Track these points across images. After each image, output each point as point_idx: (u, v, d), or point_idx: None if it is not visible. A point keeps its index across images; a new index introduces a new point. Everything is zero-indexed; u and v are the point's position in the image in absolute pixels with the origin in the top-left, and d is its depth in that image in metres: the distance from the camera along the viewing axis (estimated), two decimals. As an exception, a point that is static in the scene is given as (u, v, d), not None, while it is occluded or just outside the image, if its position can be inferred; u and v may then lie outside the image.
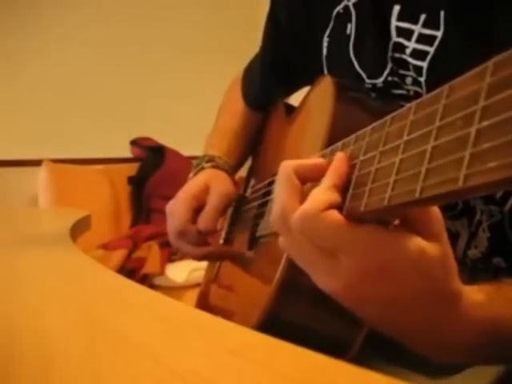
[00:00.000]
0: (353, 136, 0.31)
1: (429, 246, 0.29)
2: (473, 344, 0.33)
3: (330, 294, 0.32)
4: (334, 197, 0.29)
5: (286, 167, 0.32)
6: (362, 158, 0.29)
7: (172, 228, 0.63)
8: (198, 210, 0.63)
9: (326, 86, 0.49)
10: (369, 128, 0.29)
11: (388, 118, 0.27)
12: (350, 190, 0.29)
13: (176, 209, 0.63)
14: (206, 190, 0.64)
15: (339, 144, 0.33)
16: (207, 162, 0.70)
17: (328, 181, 0.30)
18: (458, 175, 0.20)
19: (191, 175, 0.69)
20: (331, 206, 0.29)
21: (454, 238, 0.47)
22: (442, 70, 0.43)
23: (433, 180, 0.22)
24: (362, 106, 0.47)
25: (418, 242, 0.29)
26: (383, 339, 0.36)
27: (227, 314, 0.61)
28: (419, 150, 0.23)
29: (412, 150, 0.24)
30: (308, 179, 0.32)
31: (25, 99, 2.02)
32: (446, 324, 0.32)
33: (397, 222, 0.30)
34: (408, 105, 0.25)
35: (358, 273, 0.29)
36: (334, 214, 0.29)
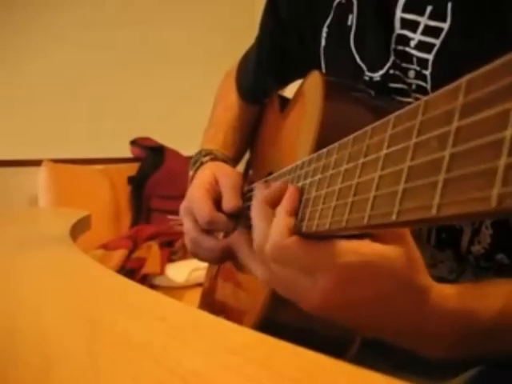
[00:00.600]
0: (336, 144, 0.32)
1: (388, 250, 0.31)
2: (450, 336, 0.35)
3: (312, 309, 0.35)
4: (291, 221, 0.34)
5: (258, 197, 0.38)
6: (345, 167, 0.29)
7: (194, 226, 0.60)
8: (214, 200, 0.60)
9: (315, 83, 0.48)
10: (351, 137, 0.29)
11: (369, 128, 0.27)
12: (334, 202, 0.30)
13: (195, 206, 0.60)
14: (215, 181, 0.61)
15: (325, 151, 0.34)
16: (205, 156, 0.68)
17: (282, 208, 0.35)
18: (432, 203, 0.19)
19: (191, 173, 0.68)
20: (290, 230, 0.34)
21: (458, 233, 0.47)
22: (448, 63, 0.43)
23: (409, 204, 0.21)
24: (352, 103, 0.47)
25: (375, 248, 0.31)
26: (382, 342, 0.36)
27: (230, 313, 0.61)
28: (396, 168, 0.23)
29: (390, 168, 0.24)
30: (277, 203, 0.37)
31: (25, 99, 2.02)
32: (420, 317, 0.34)
33: None
34: (388, 116, 0.25)
35: (328, 283, 0.32)
36: (294, 240, 0.33)
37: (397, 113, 0.24)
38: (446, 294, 0.35)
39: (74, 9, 2.11)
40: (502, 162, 0.16)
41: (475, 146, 0.17)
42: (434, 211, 0.19)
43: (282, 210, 0.35)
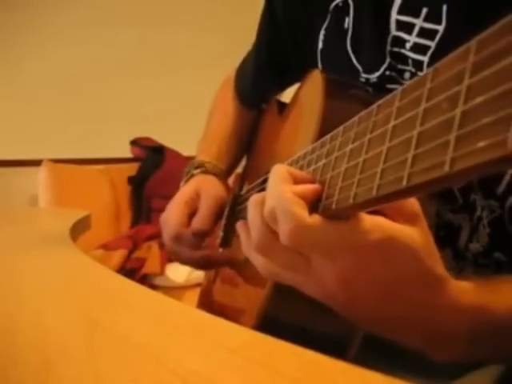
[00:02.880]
0: (341, 127, 0.31)
1: (410, 230, 0.30)
2: (464, 333, 0.34)
3: (323, 297, 0.33)
4: (304, 204, 0.31)
5: (279, 168, 0.34)
6: (350, 147, 0.28)
7: (167, 234, 0.63)
8: (190, 215, 0.63)
9: (315, 81, 0.48)
10: (356, 118, 0.29)
11: (374, 106, 0.27)
12: (339, 183, 0.28)
13: (169, 216, 0.63)
14: (196, 195, 0.64)
15: (328, 137, 0.33)
16: (196, 168, 0.70)
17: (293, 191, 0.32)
18: (445, 159, 0.19)
19: (182, 183, 0.69)
20: (307, 210, 0.30)
21: (456, 230, 0.47)
22: None
23: (419, 167, 0.21)
24: (352, 101, 0.46)
25: (399, 226, 0.30)
26: (383, 342, 0.36)
27: (229, 313, 0.61)
28: (405, 137, 0.22)
29: (398, 138, 0.23)
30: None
31: (25, 99, 2.02)
32: (434, 310, 0.33)
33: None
34: (394, 92, 0.25)
35: (351, 262, 0.30)
36: (317, 219, 0.30)
37: (404, 86, 0.24)
38: (462, 287, 0.33)
39: (74, 8, 2.11)
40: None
41: (487, 98, 0.17)
42: (446, 167, 0.19)
43: (293, 193, 0.32)
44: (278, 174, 0.32)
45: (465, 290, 0.33)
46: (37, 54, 2.04)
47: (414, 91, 0.23)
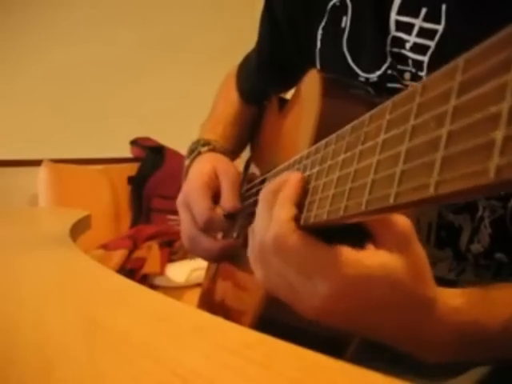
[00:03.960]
0: (334, 135, 0.31)
1: (392, 261, 0.30)
2: (452, 343, 0.34)
3: (309, 315, 0.34)
4: (292, 210, 0.33)
5: (263, 190, 0.37)
6: (343, 156, 0.29)
7: (191, 222, 0.58)
8: (213, 197, 0.59)
9: (313, 81, 0.49)
10: (349, 127, 0.29)
11: (367, 116, 0.27)
12: (331, 194, 0.29)
13: (192, 200, 0.58)
14: (214, 174, 0.60)
15: (323, 142, 0.33)
16: (203, 145, 0.67)
17: (282, 195, 0.34)
18: (429, 182, 0.19)
19: (187, 162, 0.67)
20: (292, 220, 0.32)
21: (457, 231, 0.47)
22: (443, 65, 0.43)
23: (406, 185, 0.21)
24: (350, 100, 0.46)
25: (379, 259, 0.30)
26: (382, 342, 0.36)
27: (229, 313, 0.61)
28: (394, 151, 0.23)
29: (388, 152, 0.23)
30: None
31: (25, 99, 2.02)
32: (422, 327, 0.33)
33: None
34: (384, 103, 0.25)
35: (329, 291, 0.31)
36: (296, 235, 0.32)
37: (394, 98, 0.24)
38: (452, 306, 0.34)
39: (73, 8, 2.11)
40: (500, 133, 0.16)
41: (472, 121, 0.17)
42: (431, 190, 0.19)
43: (282, 197, 0.34)
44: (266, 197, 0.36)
45: (454, 309, 0.34)
46: (37, 54, 2.04)
47: (403, 105, 0.23)
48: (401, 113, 0.23)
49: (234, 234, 0.69)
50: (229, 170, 0.61)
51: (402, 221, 0.31)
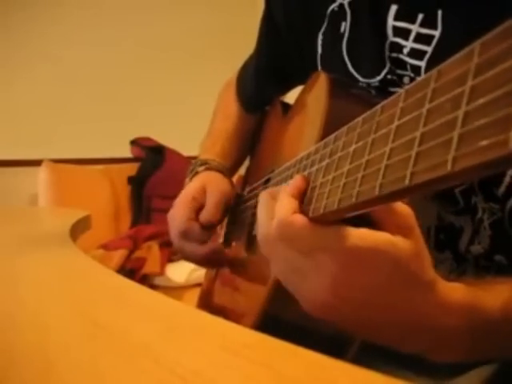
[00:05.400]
0: (345, 128, 0.31)
1: (396, 239, 0.30)
2: (465, 332, 0.34)
3: (314, 304, 0.33)
4: (294, 202, 0.33)
5: (263, 193, 0.37)
6: (354, 147, 0.28)
7: (175, 230, 0.64)
8: (197, 210, 0.64)
9: (320, 82, 0.49)
10: (360, 118, 0.29)
11: (378, 107, 0.27)
12: (342, 182, 0.28)
13: (176, 212, 0.64)
14: (203, 191, 0.65)
15: (331, 137, 0.33)
16: (200, 165, 0.71)
17: (283, 191, 0.34)
18: (447, 158, 0.19)
19: (187, 180, 0.70)
20: (294, 209, 0.32)
21: (457, 233, 0.47)
22: None
23: (421, 166, 0.21)
24: (357, 101, 0.46)
25: (383, 235, 0.30)
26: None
27: (228, 314, 0.61)
28: (408, 137, 0.23)
29: (402, 138, 0.23)
30: None
31: (25, 99, 2.02)
32: (426, 312, 0.33)
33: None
34: (398, 92, 0.25)
35: (332, 268, 0.31)
36: (300, 218, 0.32)
37: (407, 87, 0.24)
38: (452, 286, 0.34)
39: (75, 8, 2.11)
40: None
41: (490, 99, 0.18)
42: (449, 166, 0.19)
43: (284, 192, 0.34)
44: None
45: (454, 289, 0.34)
46: (37, 55, 2.04)
47: (417, 92, 0.23)
48: (415, 99, 0.23)
49: (220, 240, 0.71)
50: (217, 188, 0.65)
51: (403, 207, 0.31)
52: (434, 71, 0.22)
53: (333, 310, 0.33)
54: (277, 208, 0.33)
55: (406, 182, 0.21)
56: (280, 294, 0.41)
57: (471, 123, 0.18)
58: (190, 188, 0.66)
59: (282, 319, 0.43)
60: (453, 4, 0.42)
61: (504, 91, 0.17)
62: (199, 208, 0.64)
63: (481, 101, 0.18)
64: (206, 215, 0.62)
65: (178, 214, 0.63)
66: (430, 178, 0.20)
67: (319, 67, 0.57)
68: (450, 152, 0.19)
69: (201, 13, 2.36)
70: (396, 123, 0.24)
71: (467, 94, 0.19)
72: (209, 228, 0.63)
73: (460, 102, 0.19)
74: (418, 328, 0.33)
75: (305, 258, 0.32)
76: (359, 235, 0.30)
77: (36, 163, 1.86)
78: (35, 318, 0.31)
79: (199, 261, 0.65)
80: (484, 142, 0.17)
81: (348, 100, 0.46)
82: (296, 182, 0.34)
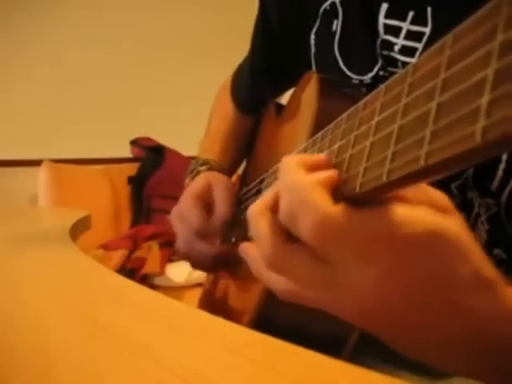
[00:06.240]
0: (331, 125, 0.31)
1: (451, 222, 0.25)
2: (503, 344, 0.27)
3: (356, 315, 0.27)
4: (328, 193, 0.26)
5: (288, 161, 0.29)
6: (338, 144, 0.28)
7: (186, 231, 0.61)
8: (206, 208, 0.62)
9: (311, 82, 0.49)
10: (345, 115, 0.29)
11: (361, 102, 0.27)
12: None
13: (186, 211, 0.61)
14: (208, 188, 0.63)
15: (319, 135, 0.33)
16: (201, 165, 0.70)
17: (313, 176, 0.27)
18: (420, 154, 0.19)
19: (187, 181, 0.69)
20: (332, 203, 0.26)
21: None
22: None
23: (398, 162, 0.21)
24: (347, 100, 0.47)
25: (438, 217, 0.25)
26: (381, 341, 0.35)
27: (229, 313, 0.61)
28: (387, 132, 0.23)
29: (380, 133, 0.23)
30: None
31: (25, 99, 2.02)
32: (490, 323, 0.26)
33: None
34: (378, 88, 0.25)
35: (387, 264, 0.25)
36: (342, 207, 0.25)
37: (387, 82, 0.24)
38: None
39: (75, 8, 2.11)
40: (485, 98, 0.17)
41: (460, 90, 0.18)
42: (422, 162, 0.19)
43: (311, 185, 0.26)
44: (289, 164, 0.28)
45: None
46: (37, 55, 2.04)
47: (396, 86, 0.23)
48: (393, 94, 0.23)
49: (233, 239, 0.70)
50: (222, 182, 0.64)
51: (438, 192, 0.27)
52: (410, 66, 0.22)
53: (376, 318, 0.27)
54: (304, 206, 0.26)
55: (384, 178, 0.22)
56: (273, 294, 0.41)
57: (443, 117, 0.19)
58: (194, 186, 0.64)
59: (276, 318, 0.43)
60: (442, 1, 0.42)
61: (472, 83, 0.17)
62: (206, 206, 0.62)
63: (451, 93, 0.18)
64: (221, 212, 0.60)
65: (188, 213, 0.60)
66: (406, 174, 0.20)
67: (313, 66, 0.58)
68: (423, 147, 0.19)
69: (201, 13, 2.36)
70: (376, 119, 0.24)
71: (440, 87, 0.19)
72: (228, 225, 0.60)
73: (433, 94, 0.20)
74: (480, 346, 0.27)
75: (353, 255, 0.25)
76: (417, 216, 0.24)
77: (36, 163, 1.86)
78: (35, 318, 0.31)
79: (205, 263, 0.62)
80: (454, 137, 0.18)
81: (338, 99, 0.46)
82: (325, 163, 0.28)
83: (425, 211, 0.25)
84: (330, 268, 0.27)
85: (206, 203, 0.62)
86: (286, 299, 0.30)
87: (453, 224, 0.25)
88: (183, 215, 0.61)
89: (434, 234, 0.24)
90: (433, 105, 0.19)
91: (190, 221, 0.60)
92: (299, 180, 0.26)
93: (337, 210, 0.25)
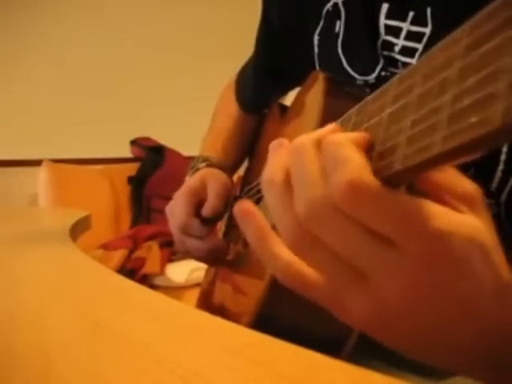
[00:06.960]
0: (339, 121, 0.31)
1: (483, 225, 0.24)
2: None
3: (377, 318, 0.25)
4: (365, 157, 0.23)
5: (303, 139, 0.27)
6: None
7: (174, 225, 0.63)
8: (197, 205, 0.63)
9: (317, 81, 0.49)
10: (354, 109, 0.29)
11: (369, 97, 0.27)
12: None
13: (175, 206, 0.63)
14: (202, 185, 0.64)
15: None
16: (202, 162, 0.70)
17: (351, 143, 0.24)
18: (435, 140, 0.19)
19: (187, 177, 0.70)
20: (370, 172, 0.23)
21: None
22: None
23: (412, 148, 0.21)
24: (353, 100, 0.47)
25: (473, 219, 0.23)
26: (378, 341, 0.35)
27: (228, 313, 0.61)
28: (398, 126, 0.23)
29: (393, 126, 0.23)
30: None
31: (25, 99, 2.02)
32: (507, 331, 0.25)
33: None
34: (391, 80, 0.25)
35: (422, 248, 0.22)
36: (378, 184, 0.22)
37: (399, 74, 0.24)
38: None
39: (75, 8, 2.11)
40: (503, 83, 0.16)
41: (478, 78, 0.18)
42: (438, 147, 0.19)
43: (350, 143, 0.23)
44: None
45: None
46: (37, 54, 2.04)
47: (409, 78, 0.23)
48: (406, 86, 0.23)
49: (220, 234, 0.70)
50: (217, 181, 0.64)
51: (464, 179, 0.25)
52: (423, 56, 0.22)
53: (399, 322, 0.25)
54: (342, 164, 0.22)
55: (398, 165, 0.22)
56: (275, 293, 0.41)
57: (458, 104, 0.19)
58: (190, 183, 0.65)
59: (276, 317, 0.43)
60: (441, 1, 0.43)
61: (491, 70, 0.17)
62: (199, 203, 0.63)
63: (469, 82, 0.18)
64: (207, 210, 0.61)
65: (176, 209, 0.62)
66: (422, 160, 0.20)
67: (317, 67, 0.58)
68: (439, 133, 0.19)
69: (202, 13, 2.36)
70: (388, 111, 0.24)
71: (456, 76, 0.19)
72: (210, 222, 0.62)
73: (449, 84, 0.19)
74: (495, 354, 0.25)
75: (395, 227, 0.22)
76: (447, 216, 0.22)
77: (36, 163, 1.86)
78: (35, 318, 0.31)
79: (201, 257, 0.63)
80: (472, 119, 0.18)
81: (345, 99, 0.46)
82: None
83: (461, 216, 0.23)
84: (361, 258, 0.24)
85: (198, 200, 0.63)
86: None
87: (481, 225, 0.24)
88: (173, 210, 0.63)
89: (468, 248, 0.23)
90: (447, 96, 0.19)
91: (177, 218, 0.61)
92: (334, 136, 0.24)
93: (374, 181, 0.22)
